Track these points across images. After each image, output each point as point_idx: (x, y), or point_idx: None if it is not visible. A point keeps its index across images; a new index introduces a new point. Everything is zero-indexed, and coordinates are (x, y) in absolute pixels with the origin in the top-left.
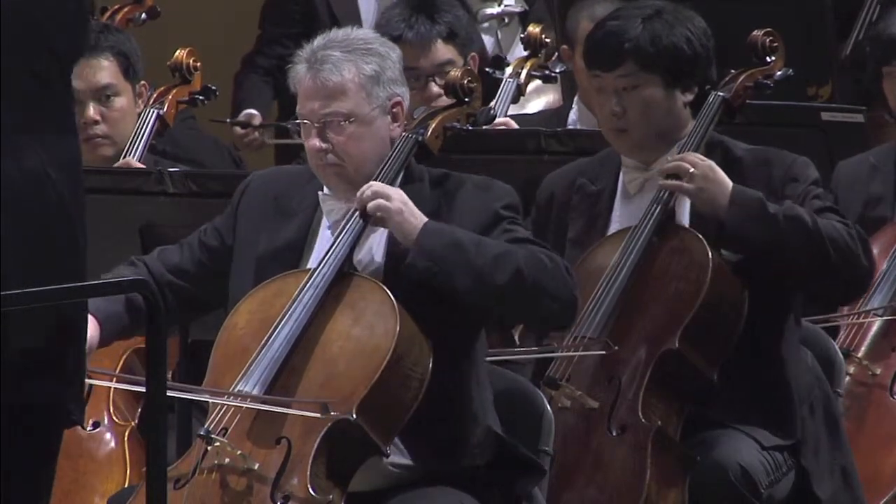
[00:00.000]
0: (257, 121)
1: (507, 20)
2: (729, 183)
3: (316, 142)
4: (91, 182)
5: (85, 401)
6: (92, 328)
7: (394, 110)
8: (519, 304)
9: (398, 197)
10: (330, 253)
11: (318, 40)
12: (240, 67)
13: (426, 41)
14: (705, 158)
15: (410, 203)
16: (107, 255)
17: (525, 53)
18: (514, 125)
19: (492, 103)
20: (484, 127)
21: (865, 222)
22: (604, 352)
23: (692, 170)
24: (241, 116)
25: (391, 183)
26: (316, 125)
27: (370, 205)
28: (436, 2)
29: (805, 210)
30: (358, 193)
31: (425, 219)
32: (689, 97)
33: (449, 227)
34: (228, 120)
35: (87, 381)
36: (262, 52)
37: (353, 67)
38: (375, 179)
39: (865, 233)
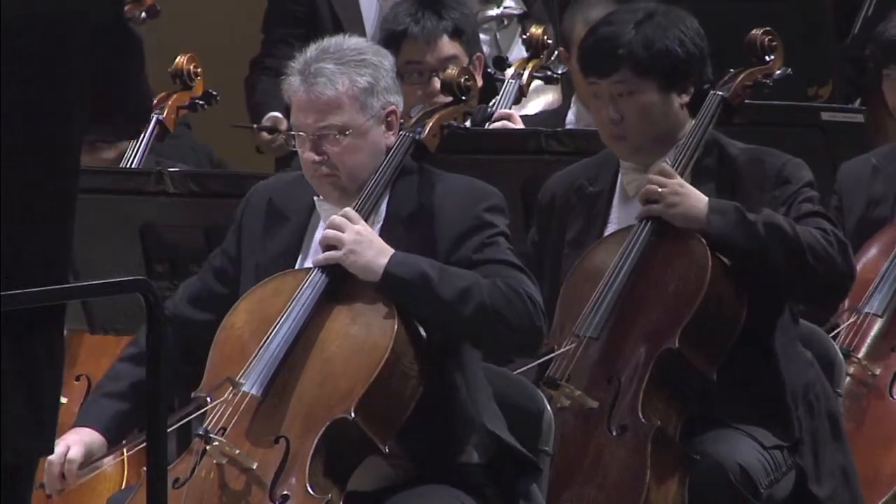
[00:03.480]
0: (284, 125)
1: (506, 22)
2: (701, 196)
3: (311, 154)
4: (91, 182)
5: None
6: (88, 434)
7: (388, 119)
8: (481, 336)
9: (350, 239)
10: None
11: (311, 51)
12: (249, 71)
13: (432, 36)
14: (674, 174)
15: (366, 239)
16: (107, 255)
17: (525, 55)
18: (517, 117)
19: (492, 104)
20: (486, 125)
21: (867, 223)
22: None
23: (661, 190)
24: (266, 121)
25: (385, 185)
26: (311, 138)
27: (321, 258)
28: None
29: (784, 218)
30: (313, 259)
31: (386, 252)
32: (686, 98)
33: (413, 260)
34: (255, 126)
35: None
36: (270, 53)
37: (346, 80)
38: (372, 181)
39: (867, 233)
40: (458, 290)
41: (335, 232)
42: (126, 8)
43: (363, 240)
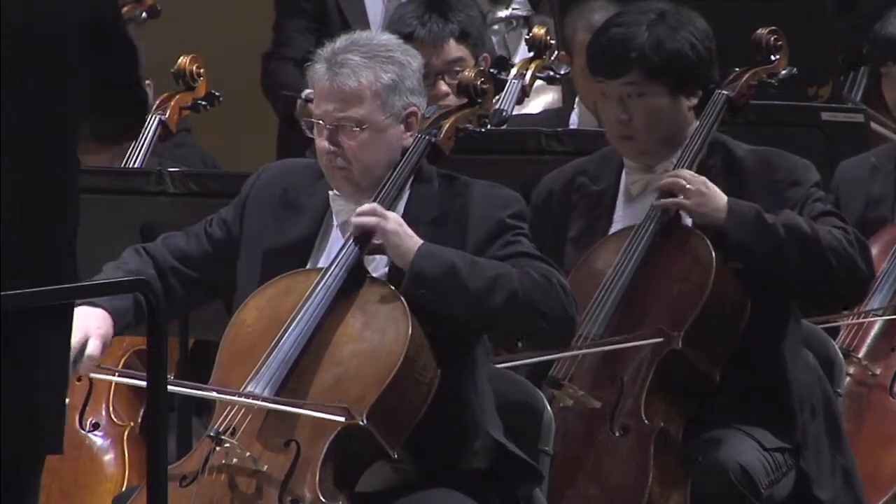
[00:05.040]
0: None
1: (514, 24)
2: (723, 196)
3: (326, 144)
4: (91, 182)
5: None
6: (104, 322)
7: (408, 119)
8: (514, 326)
9: (394, 218)
10: (341, 254)
11: (341, 41)
12: (263, 65)
13: (438, 39)
14: (697, 175)
15: (405, 225)
16: (107, 255)
17: (529, 55)
18: None
19: (496, 104)
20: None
21: (866, 222)
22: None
23: (688, 186)
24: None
25: (402, 185)
26: (328, 127)
27: (370, 221)
28: (450, 1)
29: (803, 219)
30: (353, 217)
31: (419, 241)
32: (694, 101)
33: (442, 249)
34: (302, 96)
35: (93, 375)
36: (286, 43)
37: (370, 75)
38: (388, 180)
39: (866, 233)
40: (488, 279)
41: (382, 209)
42: (126, 8)
43: (403, 224)
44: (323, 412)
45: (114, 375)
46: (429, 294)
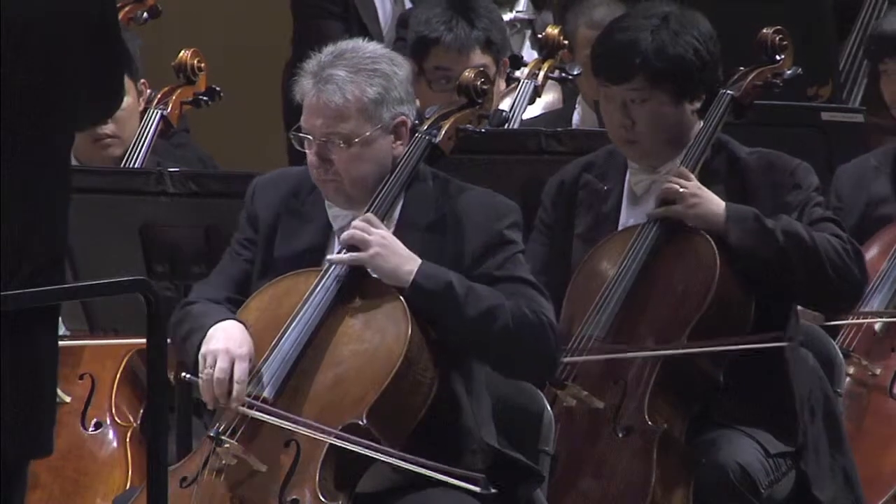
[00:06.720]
0: None
1: (518, 26)
2: (719, 200)
3: (314, 158)
4: (91, 182)
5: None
6: (244, 338)
7: (397, 129)
8: (499, 359)
9: (376, 241)
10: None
11: (326, 55)
12: (288, 74)
13: (464, 47)
14: (692, 177)
15: (392, 244)
16: (107, 255)
17: (531, 59)
18: None
19: (508, 104)
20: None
21: (868, 222)
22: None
23: (682, 190)
24: None
25: (401, 187)
26: (317, 141)
27: (346, 258)
28: (475, 5)
29: (802, 225)
30: (331, 256)
31: (417, 260)
32: (698, 105)
33: (442, 271)
34: None
35: (244, 411)
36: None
37: (356, 90)
38: (388, 184)
39: (867, 234)
40: (483, 309)
41: (361, 233)
42: (127, 8)
43: (389, 244)
44: (456, 478)
45: (269, 416)
46: (424, 312)
